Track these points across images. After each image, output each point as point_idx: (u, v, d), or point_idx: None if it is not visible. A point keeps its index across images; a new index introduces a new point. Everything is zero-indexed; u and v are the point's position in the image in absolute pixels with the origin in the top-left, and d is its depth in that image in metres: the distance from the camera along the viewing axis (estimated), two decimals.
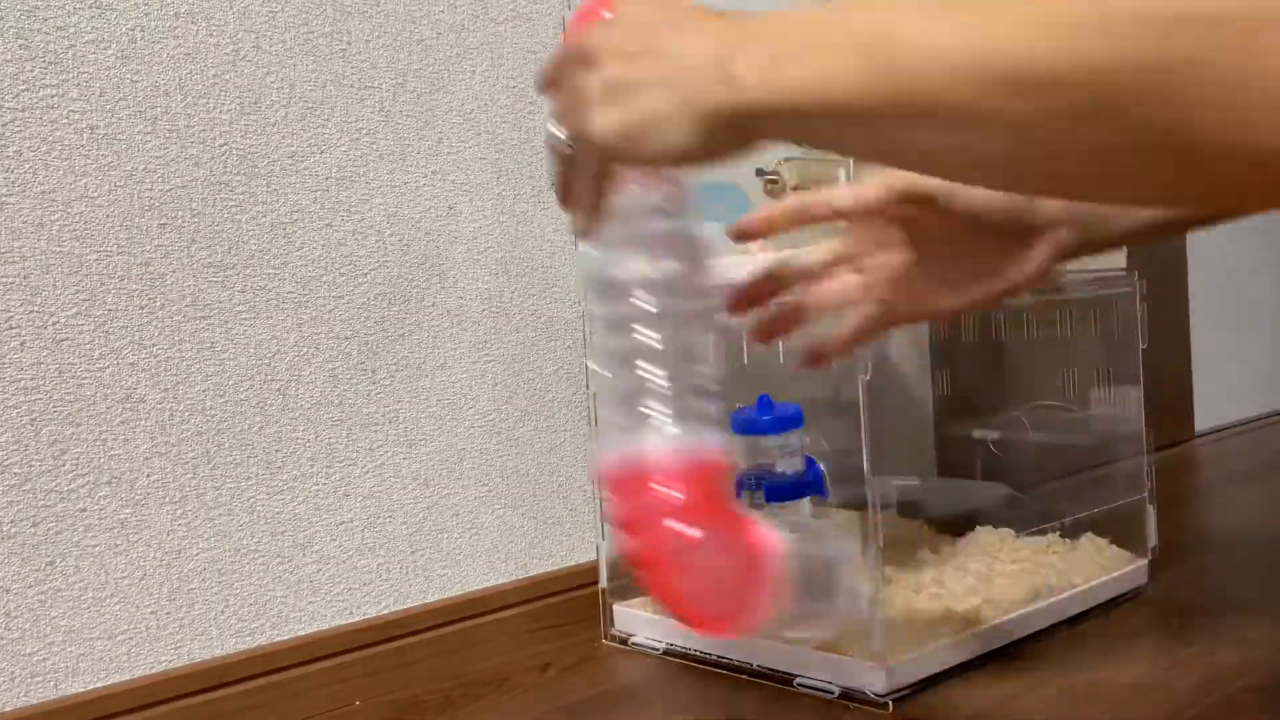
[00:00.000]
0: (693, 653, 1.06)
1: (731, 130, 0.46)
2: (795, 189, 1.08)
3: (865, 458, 0.93)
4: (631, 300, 0.61)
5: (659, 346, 0.61)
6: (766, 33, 0.43)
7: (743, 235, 0.77)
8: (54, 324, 0.85)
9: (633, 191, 0.59)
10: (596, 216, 0.57)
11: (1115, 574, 1.16)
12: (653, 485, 0.59)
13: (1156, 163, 0.37)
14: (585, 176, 0.54)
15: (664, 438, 0.59)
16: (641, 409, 0.60)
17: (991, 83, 0.36)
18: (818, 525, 0.86)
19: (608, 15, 0.51)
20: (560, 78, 0.52)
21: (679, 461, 0.59)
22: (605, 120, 0.49)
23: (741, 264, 1.00)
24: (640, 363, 0.61)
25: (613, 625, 1.15)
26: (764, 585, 0.59)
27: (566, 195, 0.57)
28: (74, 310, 0.86)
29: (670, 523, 0.59)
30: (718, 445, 0.61)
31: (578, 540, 1.19)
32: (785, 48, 0.42)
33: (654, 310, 0.61)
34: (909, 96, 0.38)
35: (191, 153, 0.93)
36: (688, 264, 0.63)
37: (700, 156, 0.48)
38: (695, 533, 0.58)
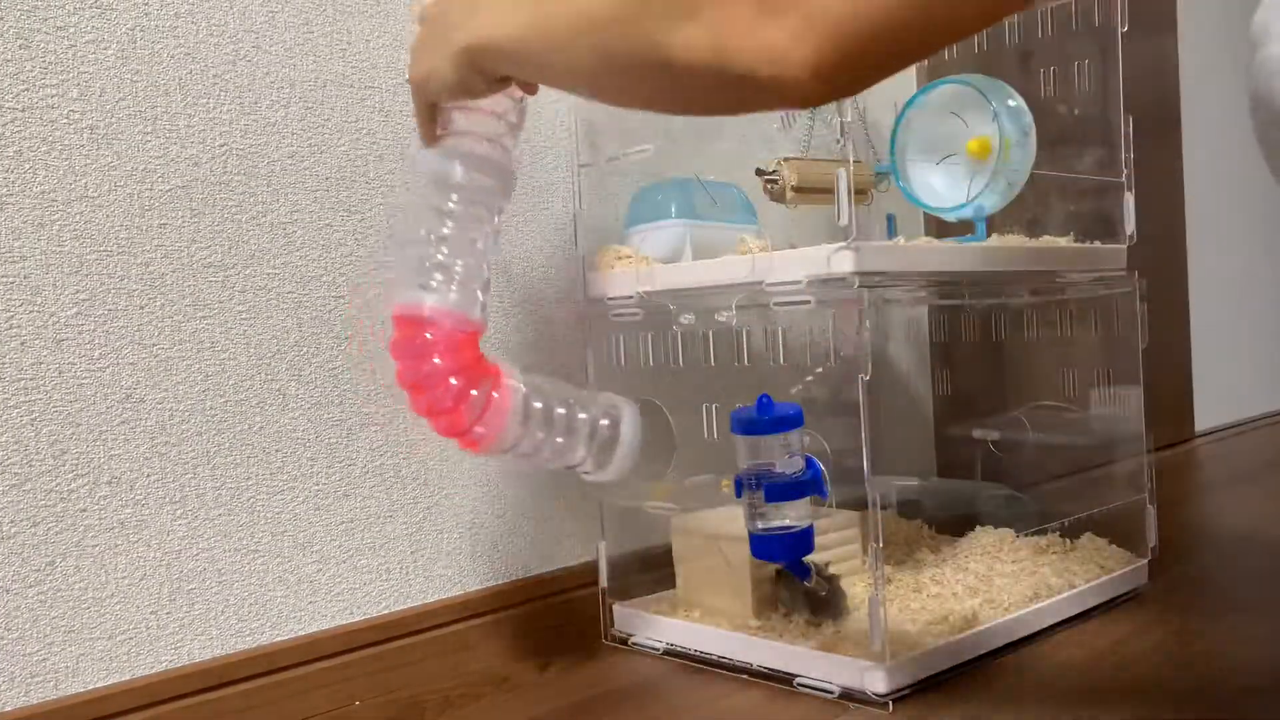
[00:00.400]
0: (693, 653, 1.06)
1: (474, 69, 0.72)
2: (795, 189, 1.08)
3: (865, 458, 0.93)
4: (437, 193, 0.85)
5: (448, 232, 0.85)
6: (479, 4, 0.70)
7: None
8: (54, 324, 0.85)
9: (473, 119, 0.85)
10: (429, 134, 0.83)
11: (1115, 574, 1.16)
12: (426, 334, 0.83)
13: (641, 74, 0.59)
14: (418, 107, 0.82)
15: (439, 298, 0.84)
16: (427, 272, 0.84)
17: (571, 29, 0.62)
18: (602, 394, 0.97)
19: None
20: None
21: (446, 316, 0.84)
22: (410, 73, 0.79)
23: (742, 263, 1.00)
24: (434, 237, 0.85)
25: (613, 625, 1.15)
26: (497, 416, 0.86)
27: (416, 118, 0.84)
28: (74, 310, 0.86)
29: (432, 360, 0.83)
30: (476, 317, 0.86)
31: (578, 540, 1.19)
32: (494, 11, 0.68)
33: (452, 206, 0.85)
34: (547, 36, 0.64)
35: (191, 153, 0.93)
36: (491, 180, 0.87)
37: (463, 92, 0.76)
38: (438, 362, 0.83)
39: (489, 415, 0.85)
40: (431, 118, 0.83)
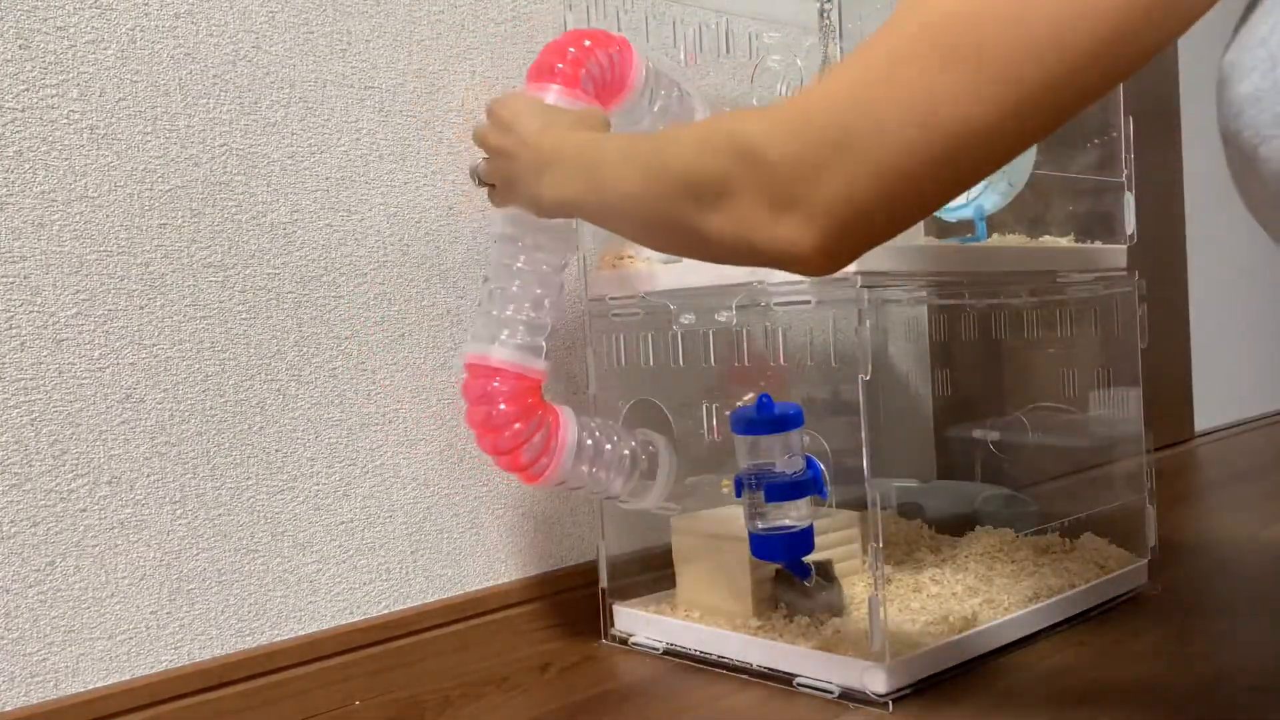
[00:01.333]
0: (693, 653, 1.06)
1: (543, 209, 0.86)
2: None
3: (865, 458, 0.93)
4: (507, 252, 0.97)
5: (515, 289, 0.96)
6: (552, 163, 0.82)
7: None
8: (54, 324, 0.85)
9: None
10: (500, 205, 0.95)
11: (1115, 574, 1.16)
12: (494, 381, 0.95)
13: (682, 244, 0.70)
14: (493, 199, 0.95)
15: (506, 351, 0.95)
16: (497, 324, 0.95)
17: (617, 203, 0.73)
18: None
19: (498, 114, 0.90)
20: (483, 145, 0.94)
21: (512, 366, 0.94)
22: (498, 196, 0.93)
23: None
24: (503, 291, 0.96)
25: (613, 625, 1.15)
26: (554, 456, 0.97)
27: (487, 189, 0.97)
28: (74, 310, 0.86)
29: (498, 406, 0.94)
30: (539, 366, 0.96)
31: (578, 540, 1.19)
32: (557, 174, 0.81)
33: (520, 266, 0.97)
34: (599, 205, 0.77)
35: (191, 153, 0.93)
36: (554, 241, 0.97)
37: (534, 213, 0.89)
38: (503, 408, 0.95)
39: (546, 456, 0.97)
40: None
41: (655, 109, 1.07)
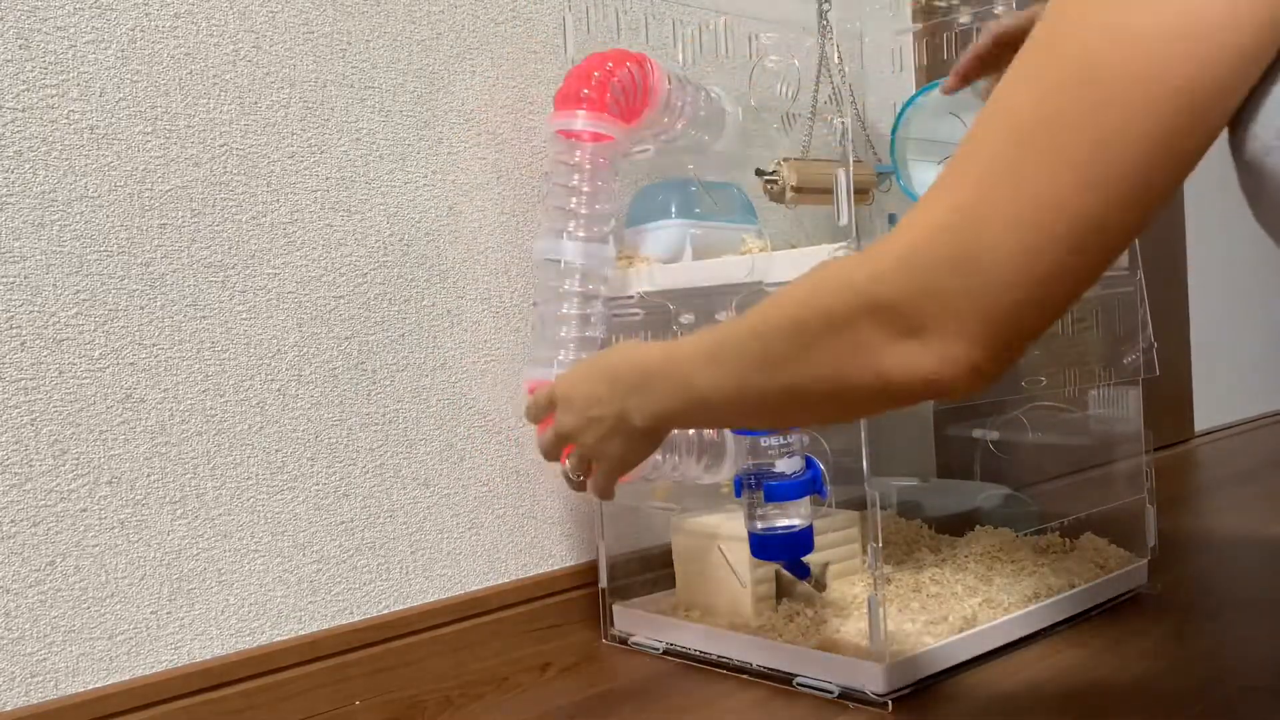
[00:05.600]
0: (693, 653, 1.06)
1: (647, 441, 0.81)
2: (795, 189, 1.08)
3: (865, 458, 0.93)
4: (549, 272, 1.02)
5: (565, 310, 1.01)
6: (637, 388, 0.77)
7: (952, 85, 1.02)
8: (54, 324, 0.85)
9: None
10: (611, 494, 0.89)
11: (1115, 574, 1.16)
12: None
13: (816, 410, 0.68)
14: (606, 482, 0.88)
15: (562, 367, 0.98)
16: (553, 347, 1.00)
17: (724, 401, 0.70)
18: None
19: (564, 396, 0.85)
20: (552, 454, 0.89)
21: None
22: (603, 470, 0.86)
23: (742, 263, 1.00)
24: (556, 316, 1.01)
25: (613, 625, 1.15)
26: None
27: (581, 489, 0.91)
28: (74, 310, 0.86)
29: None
30: None
31: (578, 540, 1.19)
32: (646, 396, 0.76)
33: (565, 286, 1.01)
34: (702, 408, 0.73)
35: (191, 153, 0.93)
36: (596, 261, 1.03)
37: (630, 466, 0.85)
38: None
39: None
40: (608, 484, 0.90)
41: (682, 115, 1.09)
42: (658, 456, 1.01)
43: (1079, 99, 0.52)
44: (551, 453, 0.89)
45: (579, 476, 0.89)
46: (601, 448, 0.83)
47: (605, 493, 0.89)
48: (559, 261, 1.00)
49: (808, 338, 0.62)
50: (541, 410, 0.88)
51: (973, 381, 0.58)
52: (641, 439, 0.81)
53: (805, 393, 0.64)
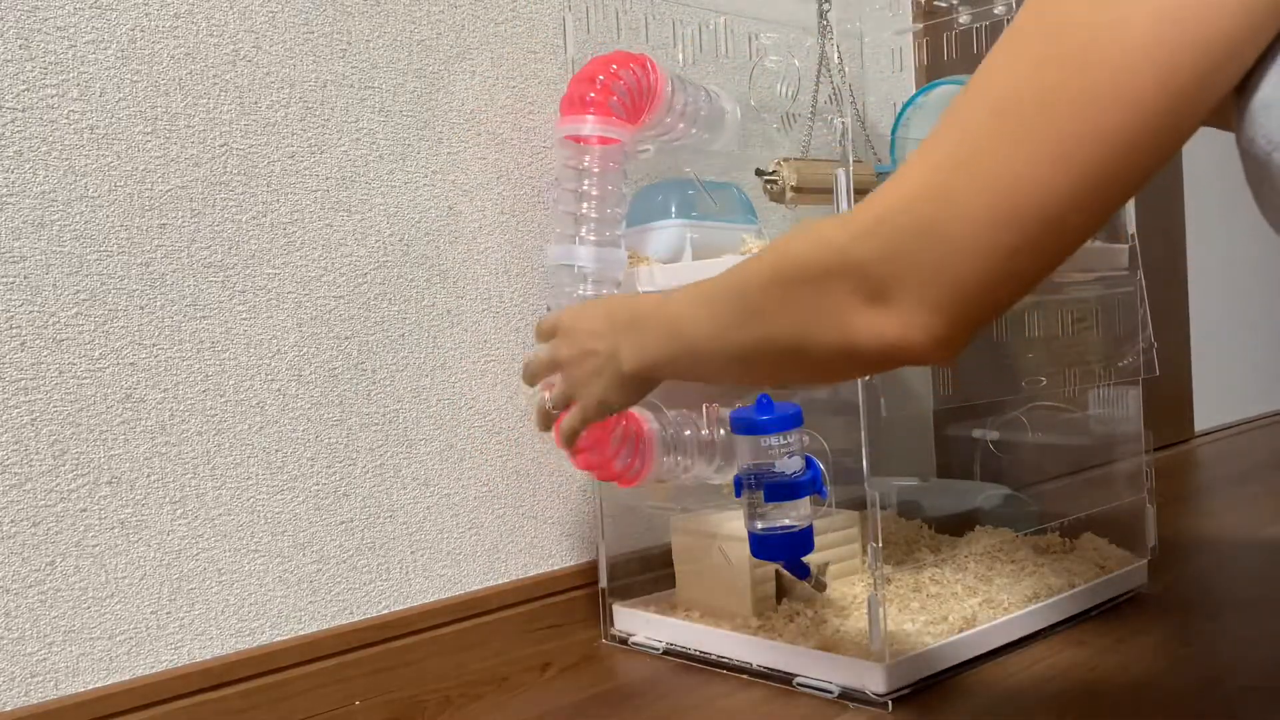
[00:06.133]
0: (693, 653, 1.06)
1: (632, 384, 0.82)
2: (795, 189, 1.08)
3: (865, 458, 0.93)
4: (563, 278, 1.02)
5: None
6: (631, 326, 0.79)
7: None
8: (54, 324, 0.85)
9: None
10: (572, 441, 0.91)
11: (1115, 574, 1.16)
12: None
13: (786, 367, 0.68)
14: (578, 422, 0.88)
15: None
16: None
17: (707, 350, 0.71)
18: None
19: (564, 323, 0.88)
20: (540, 376, 0.92)
21: None
22: (579, 407, 0.87)
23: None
24: None
25: (613, 625, 1.15)
26: (645, 458, 1.03)
27: (551, 431, 0.94)
28: (74, 310, 0.86)
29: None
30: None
31: (578, 540, 1.19)
32: (637, 336, 0.78)
33: (579, 292, 1.01)
34: (687, 357, 0.74)
35: (191, 153, 0.93)
36: (607, 266, 1.02)
37: (626, 405, 0.87)
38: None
39: (637, 459, 1.02)
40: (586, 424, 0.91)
41: (684, 114, 1.09)
42: (672, 459, 1.03)
43: (1061, 79, 0.52)
44: (538, 375, 0.91)
45: (555, 411, 0.90)
46: (586, 385, 0.84)
47: (570, 438, 0.90)
48: (572, 266, 1.00)
49: (782, 290, 0.63)
50: (547, 334, 0.90)
51: (934, 351, 0.58)
52: (625, 384, 0.81)
53: (775, 347, 0.65)
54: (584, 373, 0.84)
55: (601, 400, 0.84)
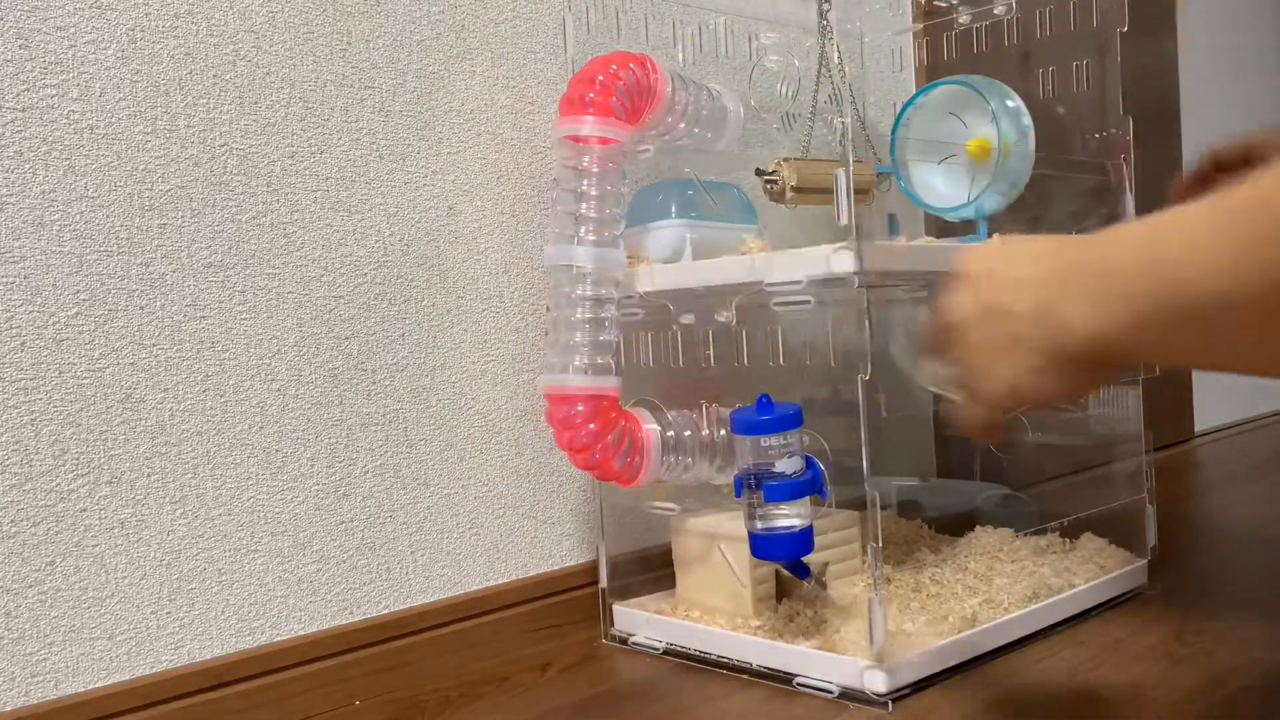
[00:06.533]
0: (693, 652, 1.06)
1: (1072, 367, 0.55)
2: (795, 189, 1.08)
3: (865, 458, 0.93)
4: (562, 277, 1.01)
5: (579, 316, 1.00)
6: (1075, 273, 0.53)
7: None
8: (54, 324, 0.85)
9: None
10: (995, 433, 0.66)
11: (1115, 574, 1.16)
12: (577, 406, 0.99)
13: None
14: (979, 415, 0.64)
15: (581, 377, 0.99)
16: (569, 351, 0.99)
17: (1233, 295, 0.45)
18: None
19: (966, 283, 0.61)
20: (939, 348, 0.64)
21: (588, 390, 0.99)
22: (991, 386, 0.59)
23: (742, 263, 1.00)
24: (571, 320, 1.00)
25: (613, 625, 1.15)
26: (643, 457, 1.01)
27: (967, 427, 0.66)
28: (74, 310, 0.86)
29: (587, 428, 0.98)
30: (612, 383, 1.00)
31: (578, 540, 1.19)
32: (1087, 285, 0.51)
33: (578, 292, 1.00)
34: (1196, 313, 0.47)
35: (191, 153, 0.93)
36: (607, 265, 1.01)
37: (1060, 398, 0.58)
38: (593, 427, 0.98)
39: (636, 457, 1.01)
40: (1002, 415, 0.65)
41: (685, 114, 1.09)
42: (671, 459, 1.03)
43: None
44: (933, 344, 0.65)
45: (953, 397, 0.65)
46: (990, 361, 0.58)
47: (983, 427, 0.64)
48: (570, 267, 1.00)
49: None
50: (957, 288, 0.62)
51: None
52: (1063, 366, 0.55)
53: None
54: (990, 345, 0.58)
55: (1013, 385, 0.57)
